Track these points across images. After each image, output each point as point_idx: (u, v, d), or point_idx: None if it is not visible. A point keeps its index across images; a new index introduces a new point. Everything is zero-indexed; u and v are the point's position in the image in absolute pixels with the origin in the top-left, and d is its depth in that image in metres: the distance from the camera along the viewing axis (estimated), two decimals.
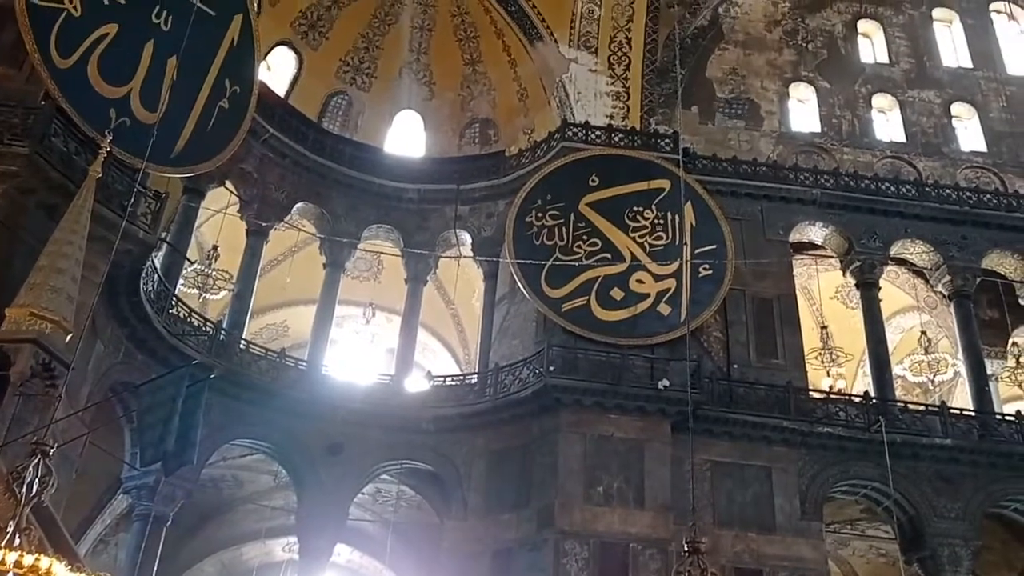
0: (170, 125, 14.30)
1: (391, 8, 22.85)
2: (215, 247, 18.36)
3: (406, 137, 23.23)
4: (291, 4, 21.60)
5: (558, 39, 22.32)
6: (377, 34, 22.94)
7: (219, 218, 18.84)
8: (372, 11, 22.71)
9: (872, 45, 25.66)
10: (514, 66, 22.79)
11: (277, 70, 21.64)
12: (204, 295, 18.23)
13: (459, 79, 23.43)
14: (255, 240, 19.21)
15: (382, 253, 21.14)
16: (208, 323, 17.21)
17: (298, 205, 20.10)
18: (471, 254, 20.67)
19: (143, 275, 14.67)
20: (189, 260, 17.78)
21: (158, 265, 16.32)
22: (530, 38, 22.35)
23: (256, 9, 18.95)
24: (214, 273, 18.01)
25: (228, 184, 18.91)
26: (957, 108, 24.05)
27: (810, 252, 21.31)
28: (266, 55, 20.39)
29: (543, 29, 22.34)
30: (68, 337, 10.40)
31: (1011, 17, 26.30)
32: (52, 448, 7.13)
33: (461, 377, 19.44)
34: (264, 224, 19.28)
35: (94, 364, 13.91)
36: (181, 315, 16.56)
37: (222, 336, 17.31)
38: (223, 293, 18.64)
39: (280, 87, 21.47)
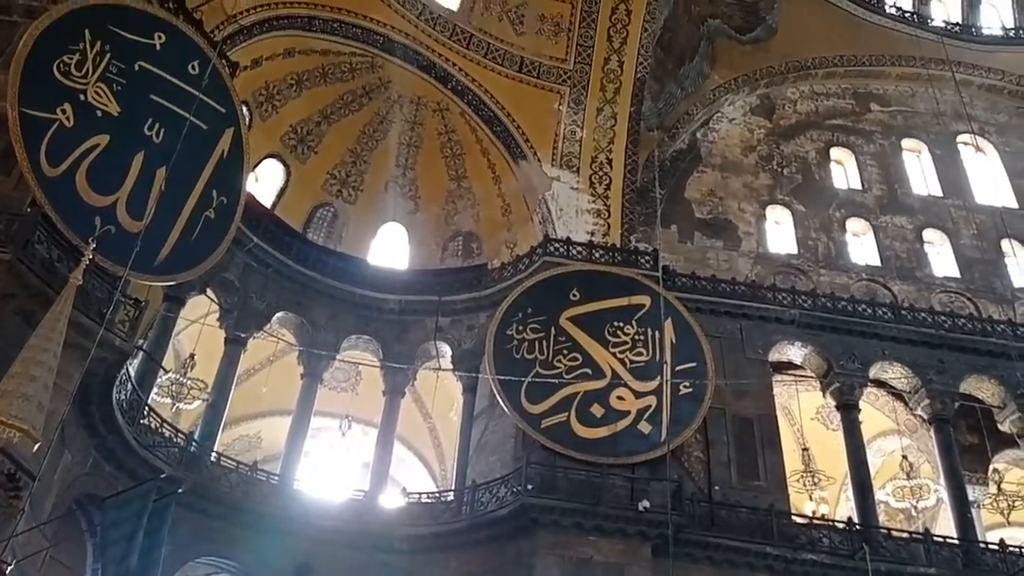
0: (155, 233, 14.37)
1: (380, 125, 23.45)
2: (192, 355, 18.13)
3: (390, 249, 23.43)
4: (282, 119, 22.13)
5: (541, 158, 22.93)
6: (365, 149, 23.47)
7: (197, 326, 18.67)
8: (361, 127, 23.28)
9: (845, 171, 26.55)
10: (498, 182, 23.28)
11: (264, 181, 21.94)
12: (177, 405, 17.88)
13: (444, 194, 23.86)
14: (233, 349, 19.02)
15: (361, 364, 20.97)
16: (179, 434, 16.80)
17: (278, 314, 20.03)
18: (451, 367, 20.54)
19: (117, 383, 14.41)
20: (164, 369, 17.52)
21: (132, 373, 16.03)
22: (514, 156, 22.93)
23: (247, 123, 19.42)
24: (189, 382, 17.70)
25: (209, 292, 18.86)
26: (929, 234, 24.72)
27: (790, 372, 21.35)
28: (255, 167, 20.72)
29: (527, 148, 22.95)
30: (36, 447, 10.06)
31: (978, 149, 27.37)
32: (10, 565, 6.81)
33: (437, 494, 18.95)
34: (243, 335, 19.15)
35: (60, 475, 13.49)
36: (152, 426, 16.17)
37: (193, 448, 16.91)
38: (197, 403, 18.29)
39: (267, 198, 21.73)
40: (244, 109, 19.69)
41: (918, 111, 27.71)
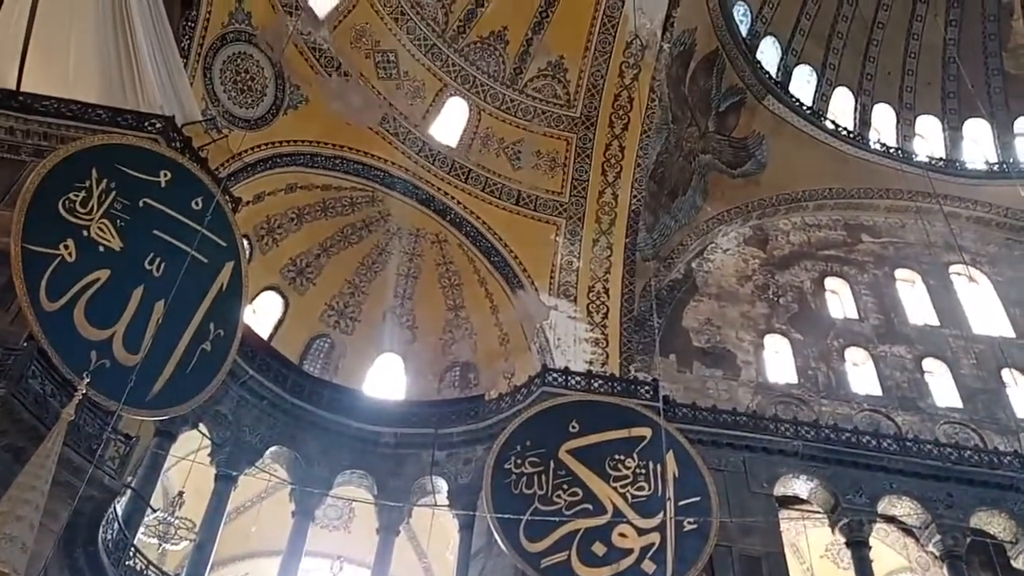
0: (149, 367, 14.16)
1: (378, 256, 23.75)
2: (180, 493, 17.60)
3: (386, 379, 23.23)
4: (282, 252, 22.40)
5: (539, 288, 23.11)
6: (363, 280, 23.66)
7: (188, 461, 18.23)
8: (360, 259, 23.56)
9: (840, 301, 26.74)
10: (496, 312, 23.36)
11: (262, 313, 21.98)
12: (164, 545, 17.21)
13: (441, 324, 23.90)
14: (223, 485, 18.47)
15: (355, 501, 20.37)
16: None
17: (271, 449, 19.57)
18: (447, 502, 19.93)
19: (103, 523, 13.92)
20: (152, 508, 16.95)
21: (119, 512, 15.51)
22: (512, 286, 23.11)
23: (248, 257, 19.59)
24: (176, 522, 17.10)
25: (201, 427, 18.48)
26: (929, 364, 24.63)
27: (797, 507, 20.75)
28: (253, 299, 20.79)
29: (524, 278, 23.17)
30: None
31: (971, 279, 27.67)
32: None
33: None
34: (234, 472, 18.67)
35: None
36: (138, 567, 15.49)
37: None
38: (184, 543, 17.61)
39: (264, 330, 21.70)
40: (245, 243, 19.92)
41: (909, 242, 28.22)
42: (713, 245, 26.91)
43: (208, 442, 18.70)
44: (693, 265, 26.34)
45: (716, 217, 27.10)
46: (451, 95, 24.54)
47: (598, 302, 23.20)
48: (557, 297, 22.94)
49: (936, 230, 27.43)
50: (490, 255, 23.28)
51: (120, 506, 15.66)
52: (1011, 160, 29.92)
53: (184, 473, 18.33)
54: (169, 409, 15.48)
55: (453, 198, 23.51)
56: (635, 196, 24.58)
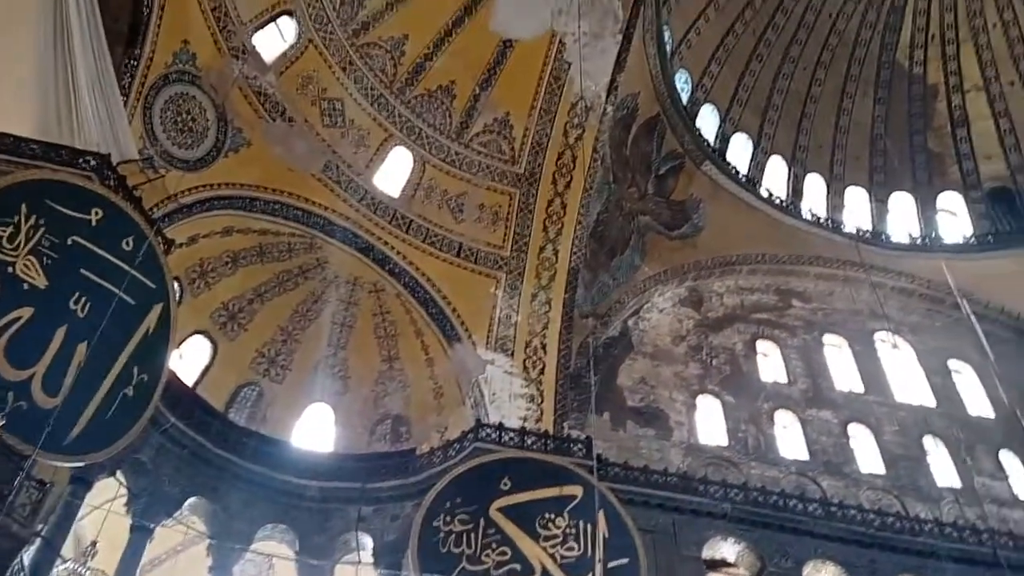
0: (69, 410, 13.70)
1: (314, 304, 23.41)
2: (94, 543, 16.81)
3: (315, 430, 22.70)
4: (214, 295, 21.91)
5: (476, 341, 23.04)
6: (297, 328, 23.27)
7: (103, 511, 17.46)
8: (295, 306, 23.19)
9: (771, 364, 27.24)
10: (431, 365, 23.17)
11: (189, 358, 21.36)
12: None
13: (375, 375, 23.57)
14: (139, 537, 17.67)
15: (275, 557, 19.70)
16: None
17: (191, 500, 18.83)
18: (371, 560, 19.42)
19: (8, 573, 13.19)
20: (63, 558, 16.13)
21: (27, 562, 14.73)
22: (449, 339, 23.00)
23: (178, 300, 19.10)
24: (88, 573, 16.28)
25: (119, 475, 17.75)
26: (853, 429, 25.17)
27: (724, 570, 20.79)
28: (180, 344, 20.23)
29: (462, 331, 23.09)
30: None
31: (894, 346, 28.52)
32: None
33: None
34: (150, 524, 17.92)
35: None
36: None
37: None
38: None
39: (190, 376, 21.06)
40: (176, 285, 19.43)
41: (837, 308, 29.03)
42: (649, 304, 27.27)
43: (125, 491, 17.96)
44: (629, 323, 26.62)
45: (653, 277, 27.50)
46: (396, 145, 24.60)
47: (535, 357, 23.22)
48: (494, 351, 22.89)
49: (862, 298, 28.30)
50: (428, 306, 23.16)
51: (28, 555, 14.87)
52: (933, 235, 31.14)
53: (98, 522, 17.53)
54: (86, 455, 14.88)
55: (393, 248, 23.40)
56: (575, 253, 24.84)
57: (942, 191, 32.77)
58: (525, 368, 22.88)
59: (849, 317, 28.78)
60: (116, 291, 14.82)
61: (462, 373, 22.66)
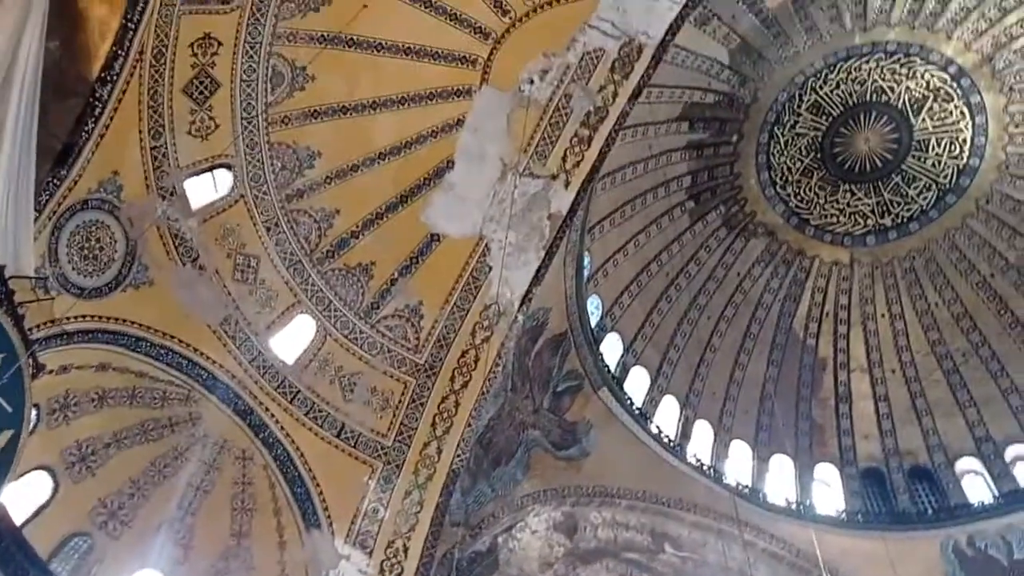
0: None
1: (173, 460, 21.96)
2: None
3: None
4: (70, 431, 20.33)
5: (336, 531, 21.85)
6: (149, 483, 21.63)
7: None
8: (153, 459, 21.67)
9: None
10: (282, 549, 21.75)
11: (26, 495, 19.54)
12: None
13: (220, 549, 21.90)
14: None
15: None
16: None
17: None
18: None
19: None
20: None
21: None
22: (308, 524, 21.75)
23: (31, 428, 17.70)
24: None
25: None
26: None
27: None
28: (20, 476, 18.56)
29: (323, 518, 21.93)
30: None
31: None
32: None
33: None
34: None
35: None
36: None
37: None
38: None
39: (20, 514, 19.16)
40: (33, 413, 18.08)
41: (708, 561, 28.74)
42: (523, 523, 26.53)
43: None
44: (499, 540, 25.76)
45: (532, 495, 26.96)
46: (302, 312, 24.25)
47: (394, 560, 22.06)
48: (352, 546, 21.66)
49: (734, 555, 28.18)
50: (295, 485, 21.97)
51: None
52: (808, 502, 31.74)
53: None
54: None
55: (273, 416, 22.46)
56: (459, 456, 24.28)
57: (820, 461, 33.79)
58: (382, 570, 21.64)
59: (718, 572, 28.53)
60: None
61: (313, 564, 21.27)
